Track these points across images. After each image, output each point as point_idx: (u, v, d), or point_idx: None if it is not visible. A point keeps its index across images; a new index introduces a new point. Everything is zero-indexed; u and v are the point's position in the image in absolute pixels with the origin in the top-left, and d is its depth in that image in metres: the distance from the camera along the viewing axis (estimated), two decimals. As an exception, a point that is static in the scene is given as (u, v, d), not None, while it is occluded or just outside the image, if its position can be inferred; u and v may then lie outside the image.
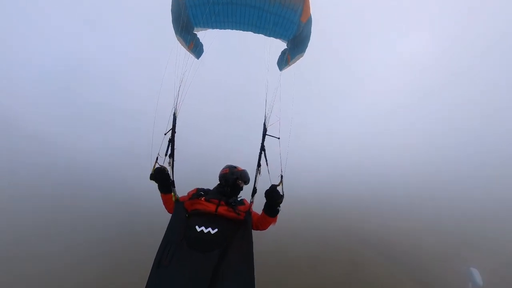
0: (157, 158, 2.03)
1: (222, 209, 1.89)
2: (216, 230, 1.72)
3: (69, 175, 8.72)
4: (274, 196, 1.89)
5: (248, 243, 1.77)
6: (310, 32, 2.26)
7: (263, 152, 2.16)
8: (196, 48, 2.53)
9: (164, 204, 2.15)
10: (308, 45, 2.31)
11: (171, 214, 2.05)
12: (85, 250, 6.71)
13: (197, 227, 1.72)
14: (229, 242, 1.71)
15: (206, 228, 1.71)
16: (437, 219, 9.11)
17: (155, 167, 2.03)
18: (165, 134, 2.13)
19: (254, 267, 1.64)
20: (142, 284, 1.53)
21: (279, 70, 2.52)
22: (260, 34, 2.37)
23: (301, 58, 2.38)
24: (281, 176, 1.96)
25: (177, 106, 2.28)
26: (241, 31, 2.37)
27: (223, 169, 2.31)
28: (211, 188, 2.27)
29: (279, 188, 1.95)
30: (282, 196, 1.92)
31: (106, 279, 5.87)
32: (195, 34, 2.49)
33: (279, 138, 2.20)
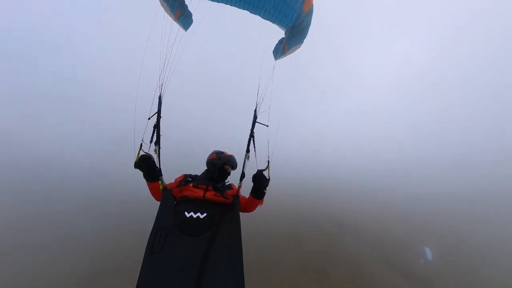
0: (141, 145, 1.93)
1: (210, 194, 1.93)
2: (205, 214, 1.77)
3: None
4: (261, 180, 2.00)
5: (236, 225, 1.85)
6: (310, 23, 2.12)
7: (252, 138, 2.18)
8: (183, 18, 2.24)
9: (151, 192, 2.11)
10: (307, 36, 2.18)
11: (159, 202, 2.04)
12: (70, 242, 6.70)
13: (186, 213, 1.76)
14: (218, 225, 1.77)
15: (195, 214, 1.76)
16: (403, 208, 10.52)
17: (140, 154, 1.94)
18: (148, 119, 1.99)
19: (242, 247, 1.74)
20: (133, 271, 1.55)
21: (274, 59, 2.38)
22: (257, 16, 2.14)
23: (298, 49, 2.26)
24: (268, 162, 2.04)
25: (163, 86, 2.08)
26: (236, 7, 2.12)
27: (210, 154, 2.30)
28: (199, 174, 2.26)
29: (265, 173, 2.04)
30: (268, 180, 2.02)
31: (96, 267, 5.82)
32: (183, 1, 2.20)
33: (267, 126, 2.22)
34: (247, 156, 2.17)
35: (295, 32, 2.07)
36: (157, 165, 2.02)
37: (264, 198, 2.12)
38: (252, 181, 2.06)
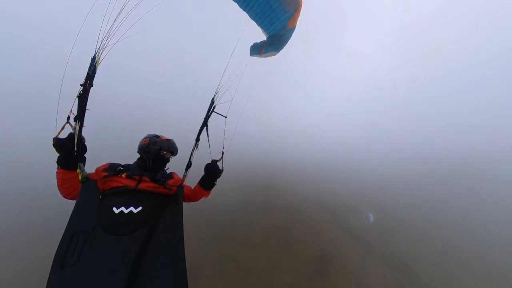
0: (68, 118, 1.40)
1: (145, 185, 1.62)
2: (140, 208, 1.47)
3: None
4: (214, 171, 1.92)
5: (178, 218, 1.60)
6: (289, 38, 2.30)
7: (205, 127, 2.02)
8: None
9: (62, 184, 1.48)
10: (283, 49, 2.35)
11: (70, 199, 1.51)
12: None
13: (114, 208, 1.41)
14: (157, 219, 1.50)
15: (126, 208, 1.43)
16: (359, 186, 14.05)
17: (62, 130, 1.39)
18: (81, 85, 1.46)
19: (184, 242, 1.50)
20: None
21: (249, 54, 2.41)
22: (243, 11, 2.14)
23: (273, 56, 2.39)
24: (222, 153, 1.98)
25: (101, 49, 1.53)
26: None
27: (142, 139, 1.91)
28: (131, 163, 1.84)
29: (219, 163, 1.97)
30: (221, 171, 1.96)
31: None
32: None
33: (226, 117, 2.13)
34: (196, 145, 1.98)
35: (274, 40, 2.18)
36: (75, 147, 1.45)
37: (212, 190, 2.02)
38: (205, 170, 1.93)
